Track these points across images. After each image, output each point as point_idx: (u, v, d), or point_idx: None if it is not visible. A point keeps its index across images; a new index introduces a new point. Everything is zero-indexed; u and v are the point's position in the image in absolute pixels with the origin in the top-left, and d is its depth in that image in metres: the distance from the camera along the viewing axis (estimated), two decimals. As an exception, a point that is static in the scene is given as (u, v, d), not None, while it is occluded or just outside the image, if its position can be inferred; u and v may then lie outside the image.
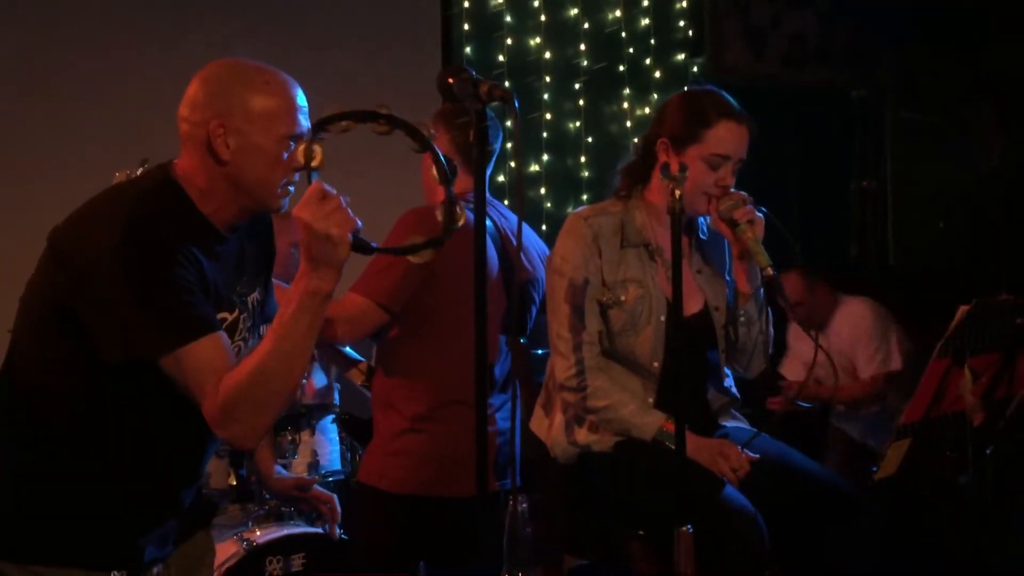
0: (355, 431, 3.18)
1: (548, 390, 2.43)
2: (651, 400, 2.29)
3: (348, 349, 2.95)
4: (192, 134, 1.80)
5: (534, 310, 2.76)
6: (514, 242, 2.61)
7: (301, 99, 1.82)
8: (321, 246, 1.64)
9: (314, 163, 1.69)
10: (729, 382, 2.44)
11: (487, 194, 2.70)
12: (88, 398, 1.77)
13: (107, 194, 1.82)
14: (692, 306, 2.33)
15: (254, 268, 1.95)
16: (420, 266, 2.43)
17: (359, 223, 1.67)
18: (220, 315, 1.80)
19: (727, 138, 2.28)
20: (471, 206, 2.57)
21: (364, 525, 2.66)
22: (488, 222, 2.60)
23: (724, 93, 2.36)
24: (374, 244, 1.76)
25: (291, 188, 1.84)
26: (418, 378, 2.57)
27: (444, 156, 1.82)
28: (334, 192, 1.66)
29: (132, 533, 1.83)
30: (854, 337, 3.86)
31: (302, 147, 1.71)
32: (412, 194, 2.94)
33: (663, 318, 2.28)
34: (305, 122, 1.81)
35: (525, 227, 2.75)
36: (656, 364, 2.29)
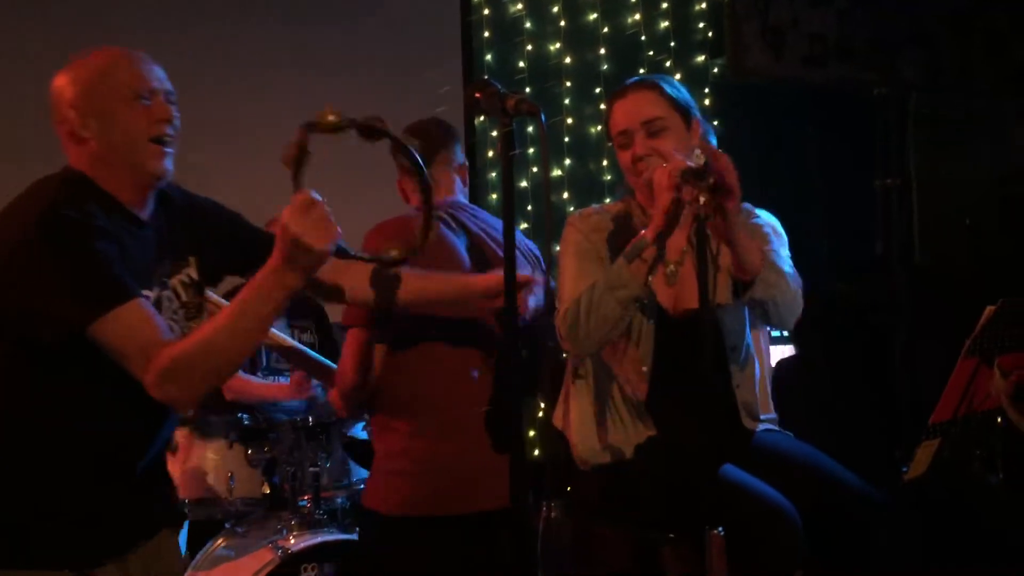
0: (357, 453, 3.12)
1: (566, 383, 2.45)
2: (642, 402, 2.28)
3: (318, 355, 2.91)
4: (61, 134, 1.90)
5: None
6: (492, 244, 2.56)
7: (136, 56, 1.91)
8: (304, 255, 1.71)
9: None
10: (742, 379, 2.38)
11: (462, 199, 2.66)
12: (30, 390, 1.83)
13: (23, 193, 1.89)
14: (688, 303, 2.29)
15: (183, 251, 2.02)
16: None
17: (339, 231, 1.74)
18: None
19: (617, 116, 2.34)
20: (443, 214, 2.53)
21: (368, 551, 2.58)
22: (462, 235, 2.54)
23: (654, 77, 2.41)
24: (352, 252, 1.81)
25: (167, 149, 1.90)
26: (405, 395, 2.48)
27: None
28: (319, 199, 1.72)
29: (78, 530, 1.84)
30: None
31: (328, 111, 1.74)
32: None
33: (651, 321, 2.28)
34: (151, 77, 1.89)
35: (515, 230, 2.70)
36: (645, 368, 2.28)
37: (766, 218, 2.44)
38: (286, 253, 1.72)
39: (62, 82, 1.90)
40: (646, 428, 2.30)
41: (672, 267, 2.32)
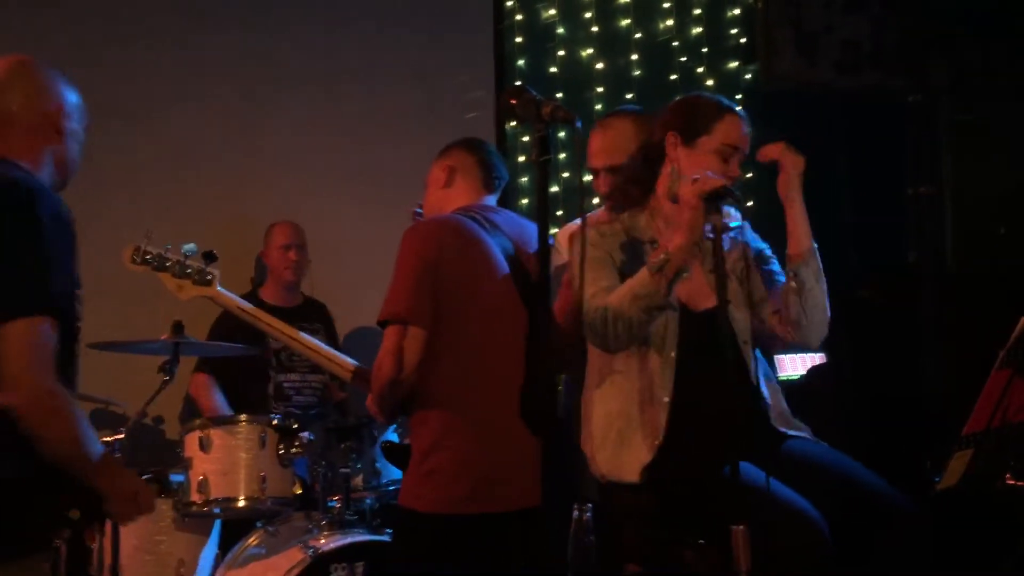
0: (395, 457, 3.09)
1: (585, 403, 2.47)
2: (670, 387, 2.31)
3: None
4: (33, 122, 2.06)
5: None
6: (528, 250, 2.60)
7: None
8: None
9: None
10: (761, 379, 2.41)
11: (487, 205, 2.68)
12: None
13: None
14: (705, 303, 2.36)
15: None
16: (428, 270, 2.45)
17: None
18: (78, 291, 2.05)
19: (735, 130, 2.38)
20: (476, 216, 2.58)
21: (403, 550, 2.59)
22: (498, 237, 2.58)
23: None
24: None
25: None
26: (439, 393, 2.50)
27: None
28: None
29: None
30: None
31: None
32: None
33: (674, 312, 2.33)
34: None
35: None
36: (673, 354, 2.33)
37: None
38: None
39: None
40: (668, 435, 2.31)
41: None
